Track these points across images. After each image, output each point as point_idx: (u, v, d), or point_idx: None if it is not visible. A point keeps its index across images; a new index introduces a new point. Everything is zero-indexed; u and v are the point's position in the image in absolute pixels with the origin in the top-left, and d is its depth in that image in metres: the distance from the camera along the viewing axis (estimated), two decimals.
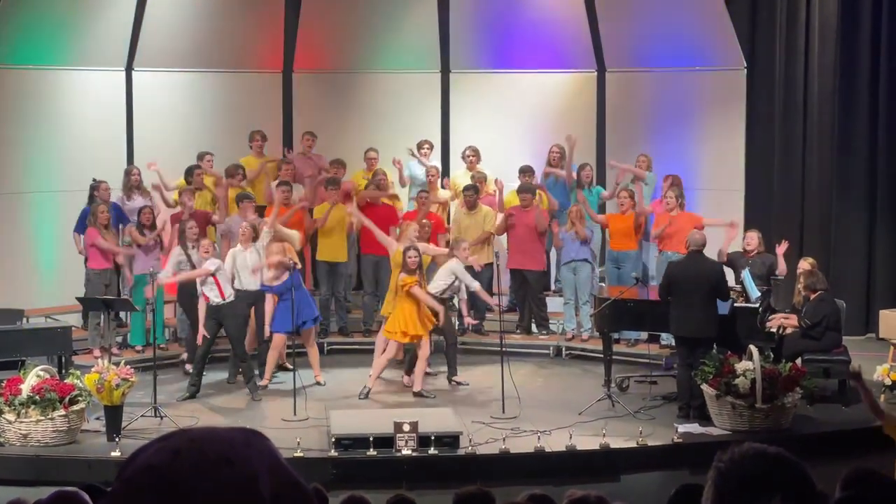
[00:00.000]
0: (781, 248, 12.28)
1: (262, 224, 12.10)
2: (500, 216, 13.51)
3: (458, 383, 11.96)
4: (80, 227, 12.85)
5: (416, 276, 11.39)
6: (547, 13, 14.92)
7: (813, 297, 11.24)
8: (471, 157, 14.10)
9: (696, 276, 10.52)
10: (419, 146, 14.30)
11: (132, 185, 13.30)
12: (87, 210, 12.86)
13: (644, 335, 12.65)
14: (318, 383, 11.99)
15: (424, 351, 11.50)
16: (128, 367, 10.43)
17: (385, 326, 11.71)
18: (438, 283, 11.71)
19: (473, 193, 13.42)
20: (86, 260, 12.78)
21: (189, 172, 13.53)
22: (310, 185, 13.82)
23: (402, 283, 11.40)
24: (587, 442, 9.86)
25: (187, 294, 12.02)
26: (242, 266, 11.87)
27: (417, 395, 11.47)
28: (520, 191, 13.45)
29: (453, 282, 11.73)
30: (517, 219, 13.39)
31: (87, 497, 4.28)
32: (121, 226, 13.10)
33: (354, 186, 13.81)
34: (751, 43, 14.32)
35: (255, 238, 11.85)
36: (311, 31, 14.98)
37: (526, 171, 13.81)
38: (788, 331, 11.34)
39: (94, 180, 13.10)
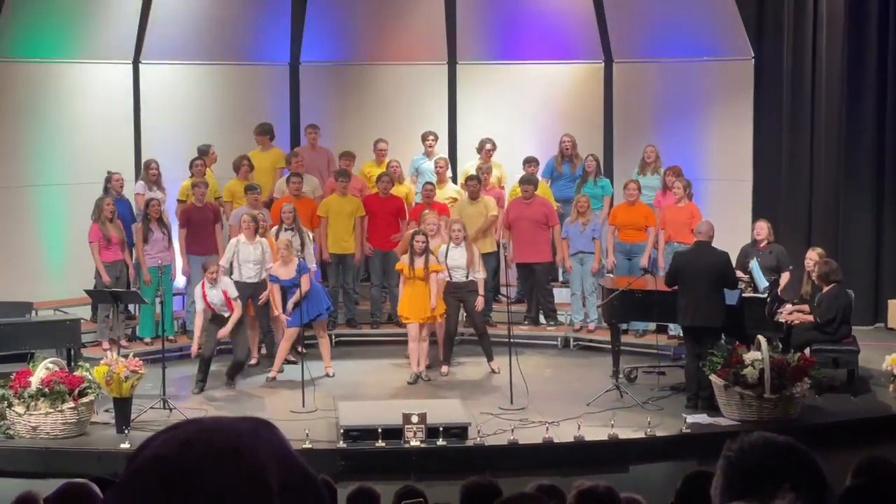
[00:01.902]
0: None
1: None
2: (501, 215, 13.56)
3: (492, 371, 12.01)
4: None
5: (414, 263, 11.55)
6: (554, 4, 14.89)
7: (826, 288, 11.15)
8: (489, 150, 14.06)
9: (703, 266, 10.50)
10: (424, 137, 14.27)
11: (150, 178, 13.31)
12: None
13: (652, 326, 12.64)
14: (327, 374, 12.02)
15: (410, 333, 11.71)
16: (137, 359, 10.45)
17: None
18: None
19: (476, 183, 13.40)
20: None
21: (191, 166, 13.54)
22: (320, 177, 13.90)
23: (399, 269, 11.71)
24: (595, 433, 9.86)
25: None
26: (244, 259, 11.89)
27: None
28: (522, 182, 13.40)
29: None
30: (520, 211, 13.35)
31: (96, 489, 4.29)
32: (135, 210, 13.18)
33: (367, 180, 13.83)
34: (758, 33, 14.27)
35: (257, 231, 11.82)
36: (319, 23, 14.97)
37: (530, 162, 13.80)
38: (796, 321, 11.31)
39: (109, 172, 13.14)
